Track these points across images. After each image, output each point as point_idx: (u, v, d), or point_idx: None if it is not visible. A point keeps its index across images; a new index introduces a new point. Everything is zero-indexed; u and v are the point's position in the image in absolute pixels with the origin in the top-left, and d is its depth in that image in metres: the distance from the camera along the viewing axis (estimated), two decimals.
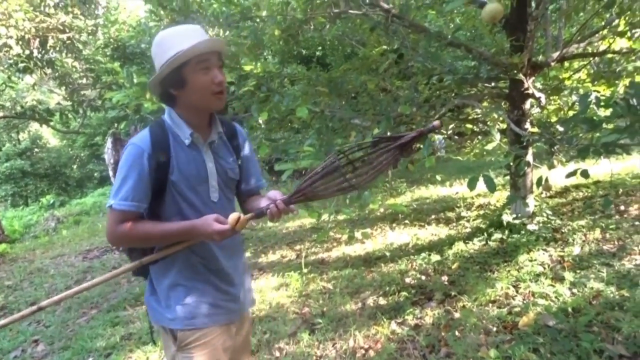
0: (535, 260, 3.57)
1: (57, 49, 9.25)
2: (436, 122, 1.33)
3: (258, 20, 4.67)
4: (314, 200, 1.51)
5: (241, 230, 1.39)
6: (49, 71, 9.69)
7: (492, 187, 2.69)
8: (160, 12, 4.67)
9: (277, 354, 2.87)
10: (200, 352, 1.46)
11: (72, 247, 7.82)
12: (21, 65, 8.78)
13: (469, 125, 5.50)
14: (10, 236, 9.90)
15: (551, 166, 2.95)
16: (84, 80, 10.22)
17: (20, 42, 8.19)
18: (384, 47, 4.69)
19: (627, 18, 3.96)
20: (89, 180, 20.56)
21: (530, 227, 4.11)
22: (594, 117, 2.50)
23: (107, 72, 9.08)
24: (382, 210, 6.35)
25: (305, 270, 4.33)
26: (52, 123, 10.56)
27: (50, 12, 8.66)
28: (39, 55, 8.88)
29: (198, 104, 1.41)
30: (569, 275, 3.16)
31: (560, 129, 2.95)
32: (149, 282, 1.56)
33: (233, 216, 1.35)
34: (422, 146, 3.33)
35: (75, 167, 20.77)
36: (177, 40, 1.35)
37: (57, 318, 4.09)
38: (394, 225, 5.64)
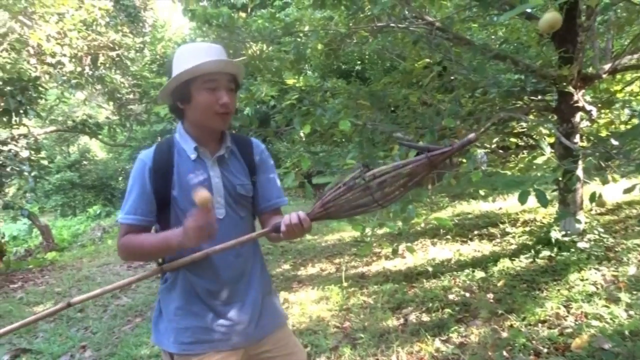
0: (587, 279, 3.41)
1: (107, 65, 9.67)
2: (471, 135, 1.23)
3: (301, 35, 4.73)
4: (336, 219, 1.43)
5: (249, 238, 1.31)
6: (98, 87, 10.13)
7: (544, 202, 2.60)
8: (205, 30, 4.81)
9: None
10: None
11: (117, 256, 8.06)
12: (74, 81, 9.22)
13: (513, 139, 5.36)
14: (59, 245, 10.33)
15: (605, 181, 2.82)
16: (131, 96, 10.61)
17: (73, 60, 8.61)
18: (427, 60, 4.66)
19: None
20: None
21: (581, 244, 3.94)
22: None
23: (154, 87, 9.40)
24: (422, 224, 6.25)
25: (345, 284, 4.29)
26: (100, 136, 10.99)
27: (102, 30, 9.06)
28: (90, 72, 9.29)
29: (201, 122, 1.41)
30: (624, 296, 3.00)
31: (615, 142, 2.83)
32: (157, 302, 1.55)
33: (200, 195, 1.22)
34: (465, 160, 3.27)
35: (120, 179, 21.48)
36: (192, 56, 1.36)
37: (104, 325, 4.20)
38: (435, 240, 5.53)
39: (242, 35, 4.63)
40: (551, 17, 1.28)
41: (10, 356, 3.65)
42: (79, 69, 8.98)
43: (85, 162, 20.14)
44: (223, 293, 1.47)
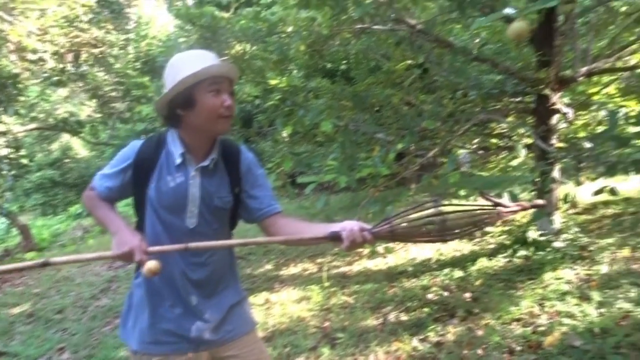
0: (561, 278, 3.49)
1: (90, 62, 9.56)
2: (541, 201, 1.38)
3: (284, 35, 4.75)
4: (396, 241, 1.45)
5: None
6: (80, 84, 10.01)
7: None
8: (189, 28, 4.80)
9: None
10: None
11: None
12: (55, 78, 9.10)
13: (494, 140, 5.44)
14: (39, 244, 10.18)
15: (578, 183, 2.90)
16: (114, 93, 10.50)
17: (54, 57, 8.49)
18: (409, 61, 4.71)
19: None
20: None
21: (557, 244, 4.02)
22: (623, 134, 2.46)
23: (137, 85, 9.33)
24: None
25: (326, 284, 4.32)
26: (82, 134, 10.86)
27: (84, 27, 8.95)
28: (72, 69, 9.18)
29: (204, 126, 1.42)
30: (596, 295, 3.08)
31: (588, 145, 2.91)
32: (128, 296, 1.59)
33: (150, 264, 1.31)
34: (445, 160, 3.32)
35: None
36: (192, 62, 1.37)
37: (83, 326, 4.17)
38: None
39: (226, 35, 4.63)
40: (518, 26, 1.32)
41: None
42: (60, 65, 8.87)
43: (66, 160, 19.84)
44: (190, 296, 1.49)
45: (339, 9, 4.05)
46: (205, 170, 1.47)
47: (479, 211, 1.33)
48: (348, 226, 1.31)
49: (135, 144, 1.50)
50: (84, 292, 5.37)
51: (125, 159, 1.49)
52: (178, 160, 1.44)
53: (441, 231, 1.32)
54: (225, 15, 5.09)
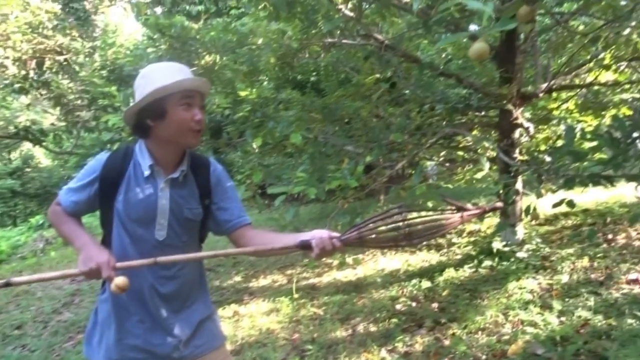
0: (524, 288, 3.59)
1: (54, 70, 9.32)
2: (498, 204, 1.45)
3: (254, 47, 4.77)
4: (365, 247, 1.50)
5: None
6: (44, 92, 9.74)
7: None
8: (158, 38, 4.76)
9: None
10: None
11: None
12: (17, 85, 8.82)
13: (460, 153, 5.58)
14: None
15: (539, 195, 3.00)
16: (79, 102, 10.25)
17: (17, 63, 8.25)
18: (377, 75, 4.80)
19: (612, 52, 4.10)
20: None
21: (520, 254, 4.14)
22: (581, 148, 2.57)
23: (103, 94, 9.15)
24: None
25: (296, 296, 4.31)
26: (45, 143, 10.54)
27: (49, 34, 8.74)
28: (35, 76, 8.93)
29: (173, 138, 1.41)
30: (557, 304, 3.18)
31: (548, 158, 3.02)
32: (94, 312, 1.56)
33: (118, 280, 1.29)
34: (413, 172, 3.39)
35: None
36: (165, 74, 1.37)
37: (43, 342, 4.03)
38: (385, 251, 5.65)
39: (195, 46, 4.62)
40: (479, 47, 1.37)
41: None
42: (23, 72, 8.61)
43: (28, 170, 19.20)
44: (159, 310, 1.47)
45: (309, 23, 4.10)
46: (175, 182, 1.46)
47: (442, 216, 1.39)
48: (317, 234, 1.33)
49: (102, 157, 1.49)
50: (45, 306, 5.19)
51: (92, 172, 1.46)
52: (147, 172, 1.43)
53: (407, 236, 1.36)
54: (195, 25, 5.07)
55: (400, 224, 1.35)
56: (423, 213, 1.41)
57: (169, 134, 1.40)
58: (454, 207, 1.41)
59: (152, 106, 1.37)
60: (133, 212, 1.43)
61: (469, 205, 1.42)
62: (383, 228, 1.35)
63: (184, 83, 1.36)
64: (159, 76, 1.37)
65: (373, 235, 1.36)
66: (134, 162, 1.46)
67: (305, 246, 1.33)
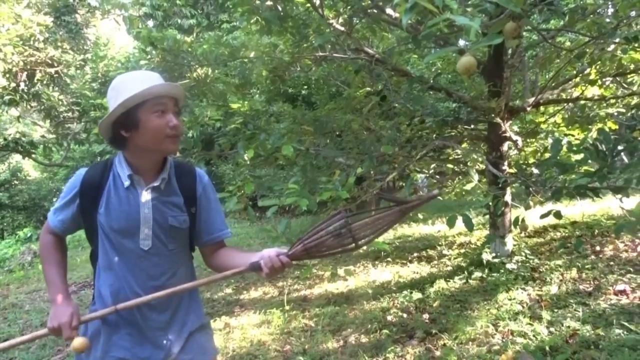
0: (514, 299, 3.63)
1: (45, 82, 9.30)
2: (435, 191, 1.44)
3: (246, 60, 4.81)
4: (314, 258, 1.52)
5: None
6: (34, 104, 9.70)
7: (470, 226, 2.77)
8: (150, 51, 4.78)
9: None
10: None
11: None
12: (7, 97, 8.78)
13: (450, 165, 5.64)
14: None
15: (528, 207, 3.06)
16: (70, 114, 10.21)
17: (7, 75, 8.23)
18: (368, 88, 4.86)
19: (597, 67, 4.20)
20: None
21: (509, 266, 4.19)
22: (568, 161, 2.63)
23: (95, 106, 9.14)
24: (364, 248, 6.38)
25: (287, 307, 4.31)
26: (34, 155, 10.47)
27: (40, 46, 8.74)
28: (26, 88, 8.91)
29: (150, 146, 1.40)
30: (546, 314, 3.22)
31: (536, 171, 3.08)
32: (84, 325, 1.55)
33: (76, 342, 1.36)
34: (404, 184, 3.43)
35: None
36: (134, 83, 1.36)
37: (31, 355, 3.98)
38: (376, 262, 5.67)
39: (188, 59, 4.65)
40: (466, 61, 1.41)
41: None
42: (13, 84, 8.58)
43: (16, 182, 19.01)
44: (145, 323, 1.46)
45: (300, 37, 4.16)
46: (157, 190, 1.46)
47: (382, 214, 1.41)
48: (266, 254, 1.37)
49: (81, 172, 1.49)
50: (33, 320, 5.13)
51: (72, 188, 1.47)
52: (126, 183, 1.43)
53: (352, 240, 1.38)
54: (188, 39, 5.11)
55: (343, 230, 1.37)
56: (363, 214, 1.44)
57: (146, 143, 1.39)
58: (392, 202, 1.44)
59: (125, 117, 1.36)
60: (115, 223, 1.42)
61: (404, 197, 1.45)
62: (326, 236, 1.37)
63: (153, 90, 1.35)
64: (129, 86, 1.35)
65: (317, 245, 1.38)
66: (113, 174, 1.46)
67: (255, 267, 1.37)
